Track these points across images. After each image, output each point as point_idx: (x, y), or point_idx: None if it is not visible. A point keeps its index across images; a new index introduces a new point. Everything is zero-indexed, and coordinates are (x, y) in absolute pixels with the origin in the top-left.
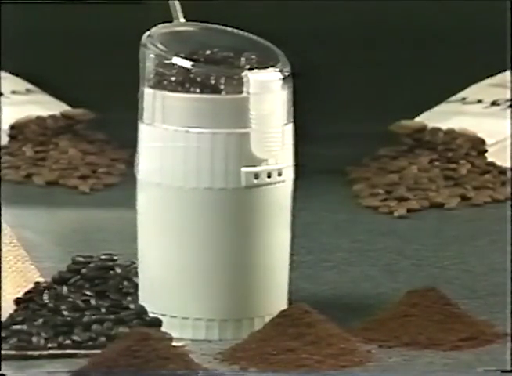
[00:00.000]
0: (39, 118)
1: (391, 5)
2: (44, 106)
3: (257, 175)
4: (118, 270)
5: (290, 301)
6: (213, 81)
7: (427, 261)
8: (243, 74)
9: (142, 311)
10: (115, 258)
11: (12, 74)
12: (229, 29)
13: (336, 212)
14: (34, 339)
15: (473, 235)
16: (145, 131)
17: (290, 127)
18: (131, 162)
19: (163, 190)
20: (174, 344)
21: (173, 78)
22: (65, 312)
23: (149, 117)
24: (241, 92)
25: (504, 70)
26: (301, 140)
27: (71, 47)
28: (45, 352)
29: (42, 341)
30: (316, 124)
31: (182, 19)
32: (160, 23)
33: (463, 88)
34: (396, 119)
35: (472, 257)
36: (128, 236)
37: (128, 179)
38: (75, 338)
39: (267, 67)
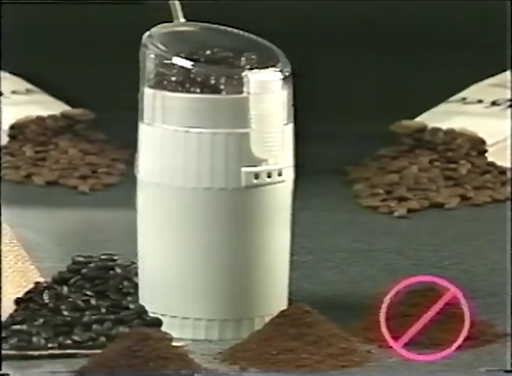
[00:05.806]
0: (39, 118)
1: (392, 6)
2: (44, 106)
3: (257, 175)
4: (118, 270)
5: (290, 301)
6: (213, 81)
7: (427, 261)
8: (243, 74)
9: (142, 311)
10: (115, 258)
11: (12, 74)
12: (229, 29)
13: (336, 212)
14: (34, 339)
15: (473, 235)
16: (145, 132)
17: (290, 127)
18: (131, 162)
19: (163, 190)
20: (174, 344)
21: (173, 78)
22: (65, 312)
23: (149, 117)
24: (241, 92)
25: (504, 70)
26: (301, 140)
27: (71, 47)
28: (45, 352)
29: (42, 341)
30: (316, 124)
31: (182, 19)
32: (160, 23)
33: (463, 88)
34: (396, 119)
35: (472, 257)
36: (128, 236)
37: (128, 179)
38: (75, 338)
39: (267, 67)
